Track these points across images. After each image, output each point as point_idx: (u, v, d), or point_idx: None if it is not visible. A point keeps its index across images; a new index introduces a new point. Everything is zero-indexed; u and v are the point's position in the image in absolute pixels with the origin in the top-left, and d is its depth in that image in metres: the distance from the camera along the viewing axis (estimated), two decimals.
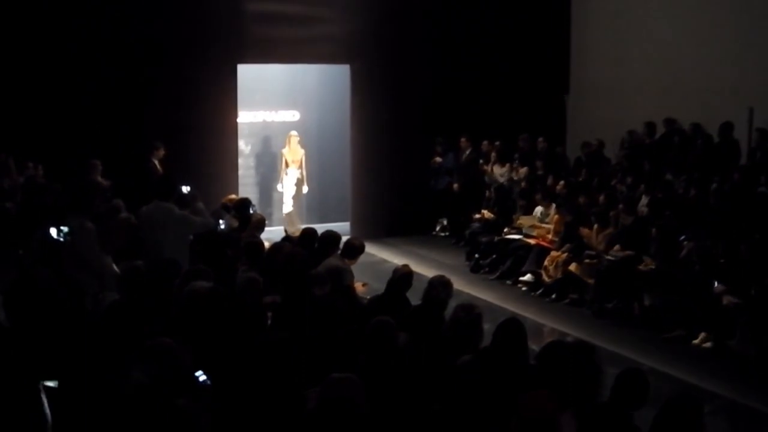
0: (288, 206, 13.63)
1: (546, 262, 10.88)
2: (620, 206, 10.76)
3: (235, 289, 6.49)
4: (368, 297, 7.47)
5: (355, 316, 6.26)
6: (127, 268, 6.51)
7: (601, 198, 11.03)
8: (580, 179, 12.15)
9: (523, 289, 11.17)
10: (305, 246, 7.98)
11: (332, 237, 8.02)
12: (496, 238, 11.86)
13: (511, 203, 12.41)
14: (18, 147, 11.16)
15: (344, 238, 8.17)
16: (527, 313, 9.93)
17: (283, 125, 14.52)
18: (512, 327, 5.48)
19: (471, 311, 5.69)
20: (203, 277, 6.03)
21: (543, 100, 14.23)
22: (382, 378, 5.07)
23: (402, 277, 6.89)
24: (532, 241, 11.37)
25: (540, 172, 12.71)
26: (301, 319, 5.95)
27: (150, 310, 5.67)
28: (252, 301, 6.35)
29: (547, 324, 9.91)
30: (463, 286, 10.48)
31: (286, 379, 4.77)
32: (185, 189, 8.61)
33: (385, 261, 12.17)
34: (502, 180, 13.20)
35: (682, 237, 9.66)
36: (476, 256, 12.06)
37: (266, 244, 8.12)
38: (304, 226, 9.90)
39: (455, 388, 4.96)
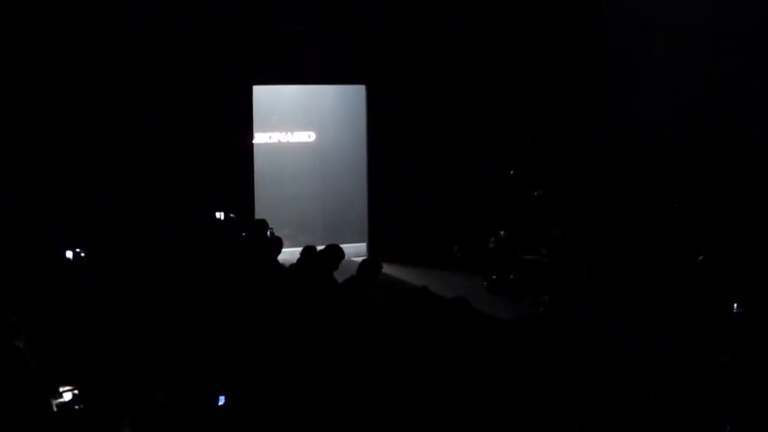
0: None
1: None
2: (631, 210, 10.72)
3: (239, 289, 6.50)
4: None
5: (359, 315, 6.27)
6: (130, 269, 6.54)
7: (613, 202, 11.01)
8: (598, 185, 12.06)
9: (541, 309, 11.11)
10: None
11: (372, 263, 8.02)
12: (513, 258, 11.75)
13: (524, 221, 12.31)
14: (18, 146, 11.17)
15: (360, 259, 8.15)
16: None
17: (298, 146, 14.51)
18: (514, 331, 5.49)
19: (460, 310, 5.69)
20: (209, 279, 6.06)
21: (564, 116, 14.14)
22: (383, 377, 5.07)
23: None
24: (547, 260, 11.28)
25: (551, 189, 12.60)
26: (301, 319, 5.95)
27: (150, 309, 5.68)
28: (258, 301, 6.35)
29: None
30: (481, 306, 10.36)
31: (287, 378, 4.77)
32: (219, 215, 8.63)
33: (402, 281, 12.12)
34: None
35: (692, 239, 9.62)
36: (494, 276, 11.97)
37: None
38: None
39: (455, 388, 4.96)
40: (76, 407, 4.50)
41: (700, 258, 9.38)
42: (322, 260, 8.03)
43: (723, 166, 11.05)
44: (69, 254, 7.31)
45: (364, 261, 7.99)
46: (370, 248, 13.73)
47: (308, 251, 8.28)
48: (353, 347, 5.53)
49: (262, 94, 13.41)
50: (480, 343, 5.67)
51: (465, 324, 5.63)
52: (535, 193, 12.41)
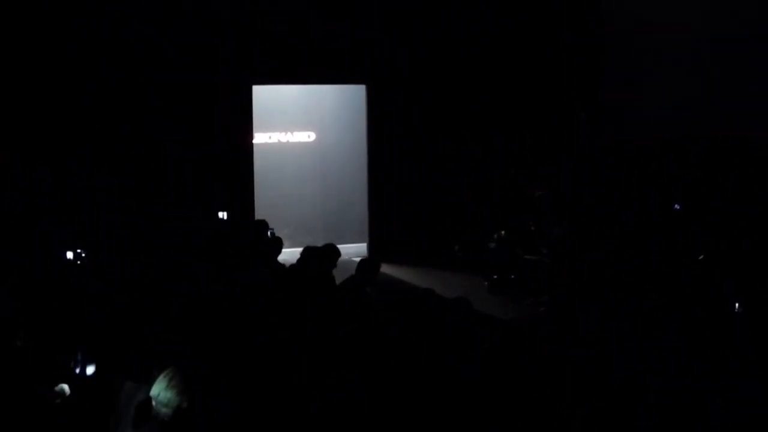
0: None
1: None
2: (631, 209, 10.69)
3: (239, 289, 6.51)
4: None
5: (358, 314, 6.27)
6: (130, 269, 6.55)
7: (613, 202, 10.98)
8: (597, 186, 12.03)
9: (542, 309, 11.10)
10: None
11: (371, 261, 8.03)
12: (513, 258, 11.72)
13: (524, 221, 12.28)
14: (18, 146, 11.18)
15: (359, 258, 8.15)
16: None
17: (298, 146, 14.52)
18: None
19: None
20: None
21: (562, 116, 14.13)
22: (383, 377, 5.07)
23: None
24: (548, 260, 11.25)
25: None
26: (301, 319, 5.96)
27: (150, 309, 5.68)
28: (258, 301, 6.35)
29: None
30: (482, 306, 10.34)
31: (287, 378, 4.77)
32: (222, 215, 8.62)
33: (403, 281, 12.12)
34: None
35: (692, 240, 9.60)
36: (494, 276, 11.95)
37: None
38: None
39: (455, 388, 4.96)
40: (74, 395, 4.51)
41: (700, 258, 9.39)
42: (319, 260, 8.03)
43: (723, 166, 11.04)
44: (69, 254, 7.30)
45: (362, 260, 7.99)
46: (371, 248, 13.71)
47: (308, 251, 8.29)
48: (353, 347, 5.53)
49: (262, 94, 13.41)
50: (480, 343, 5.67)
51: (465, 324, 5.62)
52: (536, 194, 12.42)
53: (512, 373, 5.15)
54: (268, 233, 9.08)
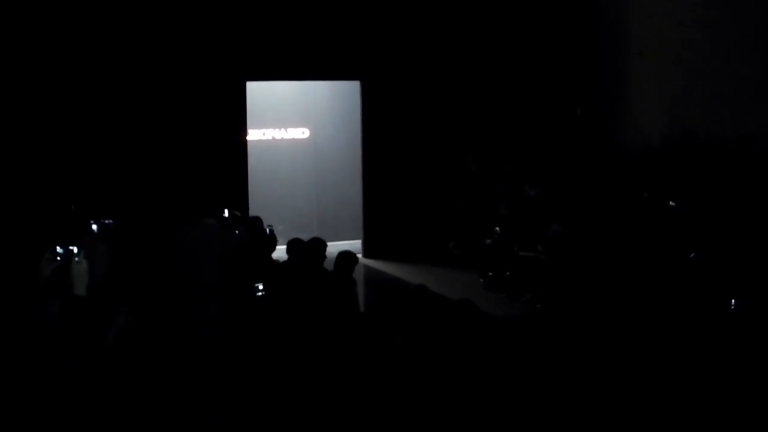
0: None
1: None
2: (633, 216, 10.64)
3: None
4: None
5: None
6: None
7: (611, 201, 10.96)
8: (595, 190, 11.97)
9: (538, 306, 11.07)
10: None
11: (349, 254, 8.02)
12: (510, 255, 11.68)
13: (520, 218, 12.24)
14: (17, 145, 11.16)
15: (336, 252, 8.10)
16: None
17: (293, 143, 14.47)
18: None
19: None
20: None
21: (557, 113, 14.10)
22: (378, 378, 5.04)
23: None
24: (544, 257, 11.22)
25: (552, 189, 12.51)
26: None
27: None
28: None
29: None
30: (478, 303, 10.27)
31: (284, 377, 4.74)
32: (226, 212, 8.58)
33: (398, 279, 12.06)
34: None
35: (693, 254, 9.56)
36: (490, 273, 11.91)
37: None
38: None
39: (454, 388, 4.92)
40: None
41: (692, 255, 9.39)
42: (306, 254, 8.01)
43: (723, 166, 11.02)
44: (59, 249, 7.24)
45: (340, 253, 7.95)
46: (365, 245, 13.67)
47: (293, 244, 8.28)
48: (346, 343, 5.50)
49: (256, 91, 13.34)
50: (479, 342, 5.64)
51: (470, 328, 5.59)
52: (531, 191, 12.41)
53: (511, 373, 5.12)
54: (267, 230, 9.05)
